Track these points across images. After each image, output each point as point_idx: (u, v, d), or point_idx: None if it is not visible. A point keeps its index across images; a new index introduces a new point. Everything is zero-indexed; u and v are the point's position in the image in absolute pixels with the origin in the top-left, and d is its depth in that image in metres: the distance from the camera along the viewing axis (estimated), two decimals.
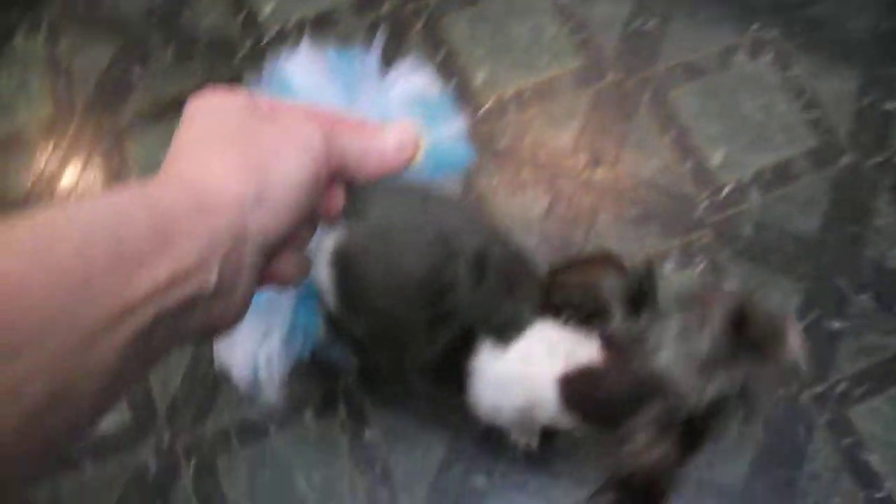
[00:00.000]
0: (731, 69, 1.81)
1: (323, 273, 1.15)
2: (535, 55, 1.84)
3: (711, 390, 0.84)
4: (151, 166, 0.39)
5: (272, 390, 1.24)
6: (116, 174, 1.82)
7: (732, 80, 1.80)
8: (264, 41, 1.92)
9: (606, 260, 0.95)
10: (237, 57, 1.90)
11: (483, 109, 1.80)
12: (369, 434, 1.57)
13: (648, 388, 0.86)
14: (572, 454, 1.53)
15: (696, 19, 1.85)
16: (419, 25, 1.90)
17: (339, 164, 0.46)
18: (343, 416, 1.58)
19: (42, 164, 1.83)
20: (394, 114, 1.17)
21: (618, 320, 0.91)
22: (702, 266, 1.63)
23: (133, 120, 1.86)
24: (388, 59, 1.25)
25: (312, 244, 0.50)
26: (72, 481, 1.58)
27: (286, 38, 1.92)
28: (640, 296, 0.89)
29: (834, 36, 1.82)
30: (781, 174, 1.71)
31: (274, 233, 0.41)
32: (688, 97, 1.78)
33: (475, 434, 1.55)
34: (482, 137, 1.74)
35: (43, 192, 1.81)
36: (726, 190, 1.70)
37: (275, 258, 0.44)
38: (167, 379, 1.62)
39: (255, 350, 1.21)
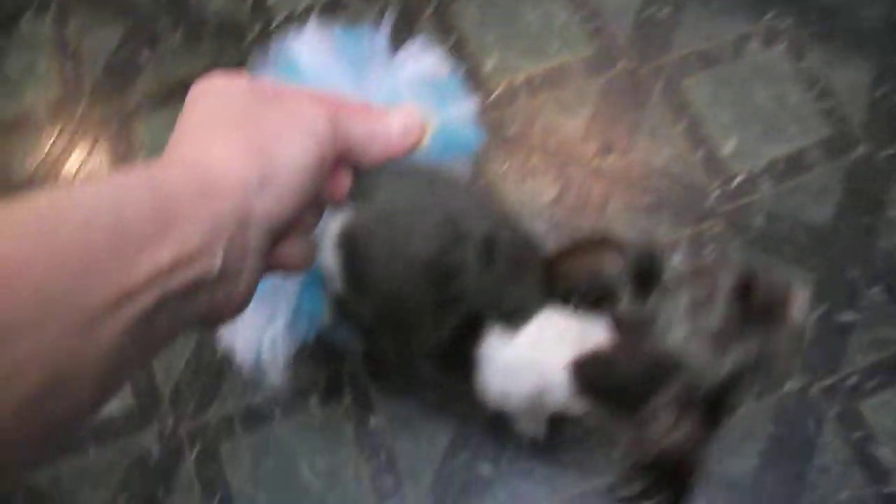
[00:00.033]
0: (744, 58, 1.79)
1: (329, 256, 1.14)
2: (546, 42, 1.83)
3: (728, 363, 0.83)
4: (159, 149, 0.39)
5: (276, 374, 1.22)
6: (123, 157, 1.81)
7: (746, 69, 1.78)
8: (273, 25, 1.91)
9: (607, 242, 0.94)
10: (246, 41, 1.89)
11: (493, 96, 1.79)
12: (374, 421, 1.56)
13: (663, 368, 0.85)
14: (579, 443, 1.52)
15: (710, 8, 1.83)
16: (429, 11, 1.88)
17: (344, 148, 0.45)
18: (348, 402, 1.57)
19: (49, 146, 1.82)
20: (402, 94, 1.15)
21: (625, 302, 0.89)
22: (712, 256, 1.61)
23: (141, 102, 1.85)
24: (398, 44, 1.24)
25: (318, 229, 0.49)
26: (74, 465, 1.57)
27: (295, 22, 1.90)
28: (646, 275, 0.88)
29: (848, 25, 1.80)
30: (794, 164, 1.69)
31: (279, 217, 0.41)
32: (700, 86, 1.77)
33: (481, 422, 1.54)
34: (492, 124, 1.73)
35: (49, 174, 1.80)
36: (738, 179, 1.68)
37: (280, 243, 0.44)
38: (171, 364, 1.61)
39: (260, 333, 1.19)
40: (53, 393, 0.31)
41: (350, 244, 1.12)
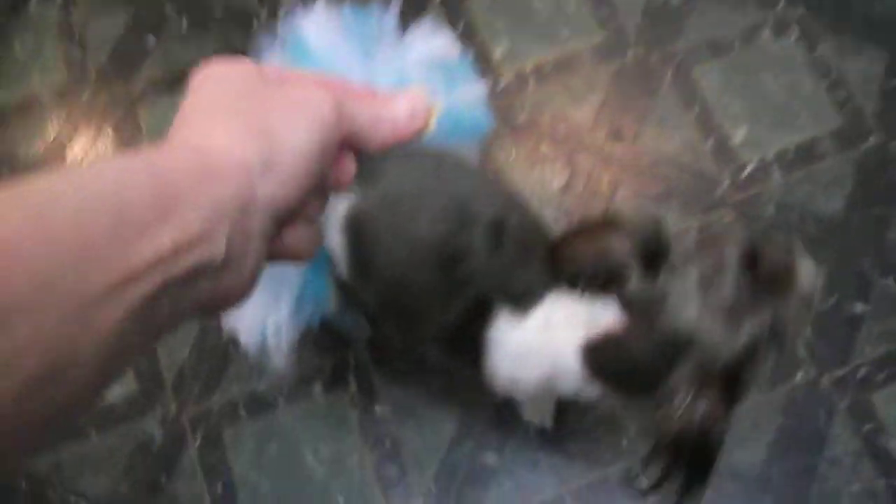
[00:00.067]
0: (755, 47, 1.77)
1: (335, 239, 1.13)
2: (556, 29, 1.81)
3: (742, 336, 0.81)
4: (164, 135, 0.38)
5: (280, 358, 1.21)
6: (128, 143, 1.79)
7: (757, 57, 1.76)
8: (280, 11, 1.89)
9: (613, 223, 0.93)
10: (253, 27, 1.87)
11: (502, 83, 1.77)
12: (379, 409, 1.55)
13: (677, 347, 0.84)
14: (586, 432, 1.51)
15: None
16: None
17: (349, 132, 0.45)
18: (353, 390, 1.56)
19: (54, 132, 1.81)
20: (411, 75, 1.14)
21: (634, 282, 0.88)
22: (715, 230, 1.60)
23: (146, 88, 1.83)
24: (407, 26, 1.22)
25: (323, 215, 0.49)
26: (75, 451, 1.56)
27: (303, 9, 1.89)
28: (654, 254, 0.87)
29: (861, 15, 1.78)
30: (805, 154, 1.68)
31: (282, 202, 0.40)
32: (711, 74, 1.75)
33: (487, 411, 1.53)
34: (501, 111, 1.71)
35: (54, 159, 1.79)
36: (749, 169, 1.67)
37: (284, 230, 0.43)
38: (175, 349, 1.60)
39: (264, 316, 1.18)
40: (53, 379, 0.30)
41: (356, 228, 1.10)
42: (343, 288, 1.28)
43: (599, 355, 0.94)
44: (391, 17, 1.19)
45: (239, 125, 0.40)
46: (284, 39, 1.18)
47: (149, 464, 1.54)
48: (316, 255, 0.48)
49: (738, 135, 1.70)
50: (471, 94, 1.21)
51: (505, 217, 1.06)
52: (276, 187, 0.39)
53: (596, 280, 0.93)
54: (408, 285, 1.09)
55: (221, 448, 1.54)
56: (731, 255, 0.83)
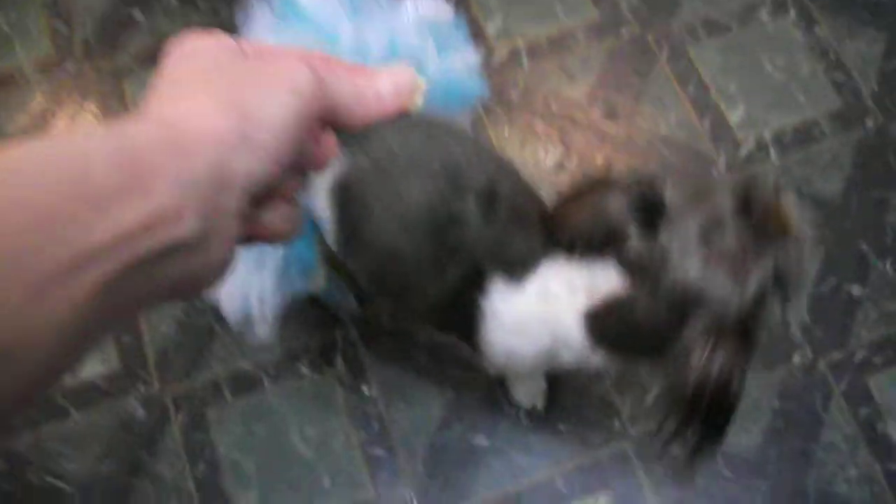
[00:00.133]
0: (753, 27, 1.75)
1: (322, 207, 1.09)
2: (550, 5, 1.78)
3: (750, 285, 0.79)
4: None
5: (265, 329, 1.17)
6: (113, 117, 1.76)
7: (754, 37, 1.74)
8: None
9: (606, 181, 0.90)
10: (241, 1, 1.84)
11: (496, 60, 1.74)
12: (367, 389, 1.51)
13: (686, 304, 0.81)
14: (578, 413, 1.48)
15: None
16: None
17: (330, 107, 0.43)
18: (341, 369, 1.52)
19: (38, 106, 1.77)
20: (404, 39, 1.11)
21: (635, 240, 0.85)
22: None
23: (132, 63, 1.80)
24: None
25: (302, 194, 0.48)
26: (56, 429, 1.52)
27: None
28: (652, 209, 0.84)
29: None
30: (803, 136, 1.66)
31: (258, 177, 0.38)
32: (707, 54, 1.73)
33: (477, 392, 1.50)
34: (495, 88, 1.68)
35: (38, 134, 1.75)
36: (745, 149, 1.65)
37: (262, 209, 0.42)
38: (158, 325, 1.56)
39: (248, 283, 1.15)
40: (5, 360, 0.29)
41: (344, 193, 1.07)
42: (331, 261, 1.25)
43: (603, 321, 0.91)
44: None
45: (213, 98, 0.38)
46: (276, 2, 1.15)
47: (130, 443, 1.50)
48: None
49: (735, 115, 1.68)
50: (464, 60, 1.18)
51: (498, 183, 1.03)
52: (251, 162, 0.38)
53: (593, 243, 0.90)
54: (398, 253, 1.06)
55: (205, 427, 1.50)
56: (725, 204, 0.81)
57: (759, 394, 1.49)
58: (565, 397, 1.48)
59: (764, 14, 1.75)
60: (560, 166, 1.64)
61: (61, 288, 0.30)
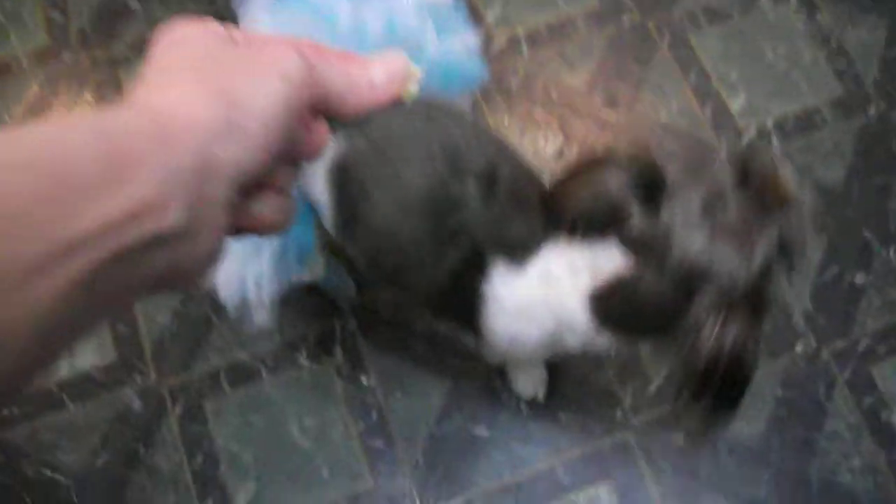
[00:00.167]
0: (754, 14, 1.74)
1: (320, 189, 1.08)
2: None
3: (756, 256, 0.78)
4: None
5: (262, 314, 1.16)
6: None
7: (755, 25, 1.73)
8: None
9: (606, 158, 0.88)
10: None
11: (495, 48, 1.73)
12: (366, 379, 1.50)
13: (692, 280, 0.79)
14: (579, 403, 1.47)
15: None
16: None
17: (322, 96, 0.42)
18: (339, 359, 1.51)
19: (34, 96, 1.75)
20: (402, 20, 1.10)
21: (636, 218, 0.83)
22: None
23: (128, 52, 1.79)
24: None
25: (294, 185, 0.46)
26: (51, 421, 1.50)
27: None
28: (652, 185, 0.82)
29: None
30: (805, 123, 1.65)
31: (247, 167, 0.37)
32: (709, 41, 1.72)
33: (477, 382, 1.49)
34: (494, 76, 1.67)
35: (33, 123, 1.74)
36: (746, 137, 1.64)
37: (251, 199, 0.41)
38: (155, 315, 1.55)
39: (244, 268, 1.13)
40: None
41: (342, 175, 1.06)
42: (329, 247, 1.24)
43: (609, 302, 0.90)
44: None
45: (200, 86, 0.37)
46: None
47: (127, 435, 1.49)
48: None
49: (737, 103, 1.67)
50: (464, 42, 1.17)
51: (498, 166, 1.01)
52: (239, 151, 0.37)
53: (594, 222, 0.89)
54: (398, 237, 1.05)
55: (202, 418, 1.49)
56: (725, 177, 0.80)
57: (762, 382, 1.47)
58: (566, 386, 1.47)
59: (765, 1, 1.74)
60: (560, 154, 1.62)
61: (45, 278, 0.29)
